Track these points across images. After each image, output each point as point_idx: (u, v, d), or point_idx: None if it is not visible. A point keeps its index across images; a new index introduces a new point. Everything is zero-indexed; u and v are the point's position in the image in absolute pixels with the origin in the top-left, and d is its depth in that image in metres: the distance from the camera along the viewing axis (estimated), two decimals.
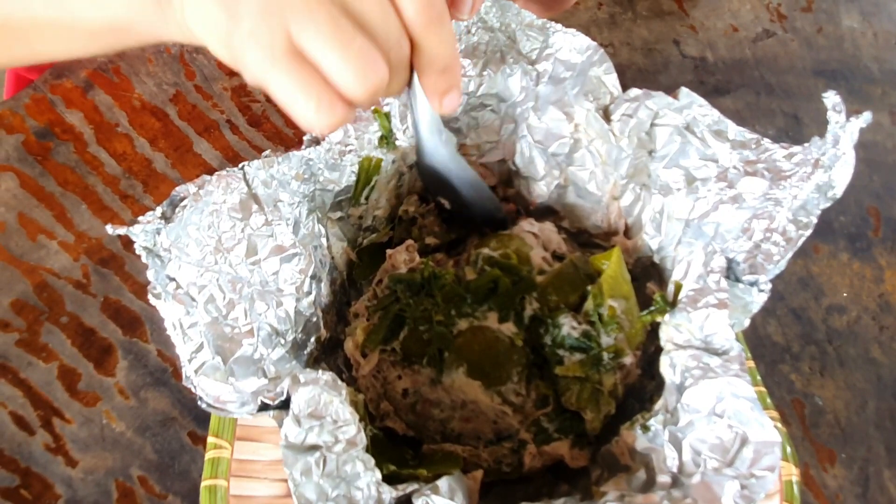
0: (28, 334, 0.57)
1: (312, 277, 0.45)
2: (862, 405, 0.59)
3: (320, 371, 0.38)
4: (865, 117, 0.39)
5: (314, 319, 0.46)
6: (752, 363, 0.51)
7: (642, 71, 0.73)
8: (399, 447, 0.46)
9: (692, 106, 0.48)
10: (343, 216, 0.51)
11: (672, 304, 0.44)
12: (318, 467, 0.35)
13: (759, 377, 0.50)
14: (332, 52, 0.30)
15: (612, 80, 0.51)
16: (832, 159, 0.40)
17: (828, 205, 0.42)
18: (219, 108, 0.68)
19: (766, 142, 0.45)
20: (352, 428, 0.37)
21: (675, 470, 0.37)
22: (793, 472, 0.46)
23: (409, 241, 0.51)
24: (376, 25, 0.31)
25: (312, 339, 0.46)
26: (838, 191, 0.41)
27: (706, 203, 0.46)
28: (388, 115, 0.49)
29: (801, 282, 0.64)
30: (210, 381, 0.39)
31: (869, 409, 0.59)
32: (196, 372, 0.39)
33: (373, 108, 0.49)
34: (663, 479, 0.37)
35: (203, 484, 0.45)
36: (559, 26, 0.51)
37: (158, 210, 0.41)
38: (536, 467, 0.46)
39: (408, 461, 0.44)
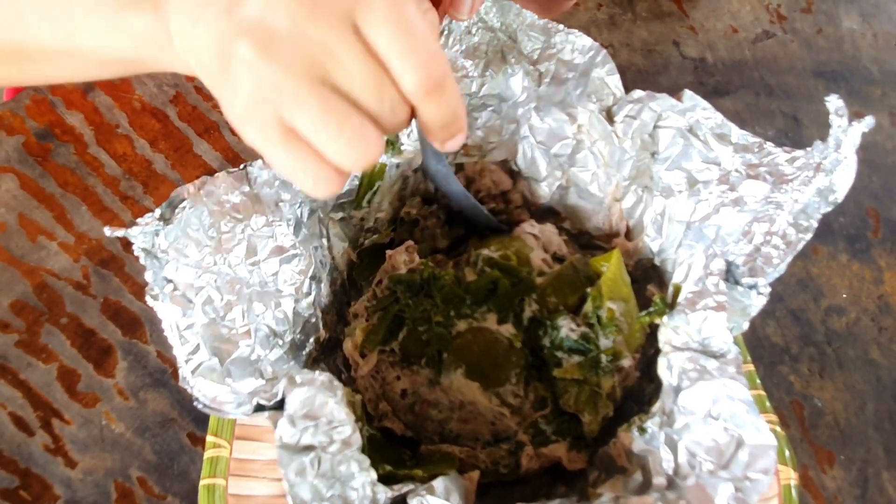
0: (28, 335, 0.57)
1: (312, 278, 0.45)
2: (861, 406, 0.59)
3: (317, 372, 0.38)
4: (868, 122, 0.39)
5: (313, 320, 0.46)
6: (751, 366, 0.51)
7: (642, 72, 0.72)
8: (397, 448, 0.46)
9: (695, 109, 0.47)
10: (345, 217, 0.51)
11: (671, 307, 0.44)
12: (312, 468, 0.35)
13: (758, 379, 0.50)
14: (325, 135, 0.30)
15: (615, 82, 0.51)
16: (834, 163, 0.40)
17: (829, 209, 0.41)
18: (219, 110, 0.67)
19: (769, 145, 0.45)
20: (347, 428, 0.37)
21: (670, 472, 0.37)
22: (791, 476, 0.46)
23: (409, 242, 0.51)
24: (370, 102, 0.30)
25: (311, 340, 0.46)
26: (839, 195, 0.41)
27: (707, 206, 0.46)
28: None
29: (800, 283, 0.64)
30: (207, 382, 0.39)
31: (868, 410, 0.59)
32: (193, 373, 0.39)
33: None
34: (659, 480, 0.37)
35: (202, 483, 0.45)
36: (561, 27, 0.51)
37: (157, 212, 0.41)
38: (534, 469, 0.46)
39: (405, 461, 0.44)
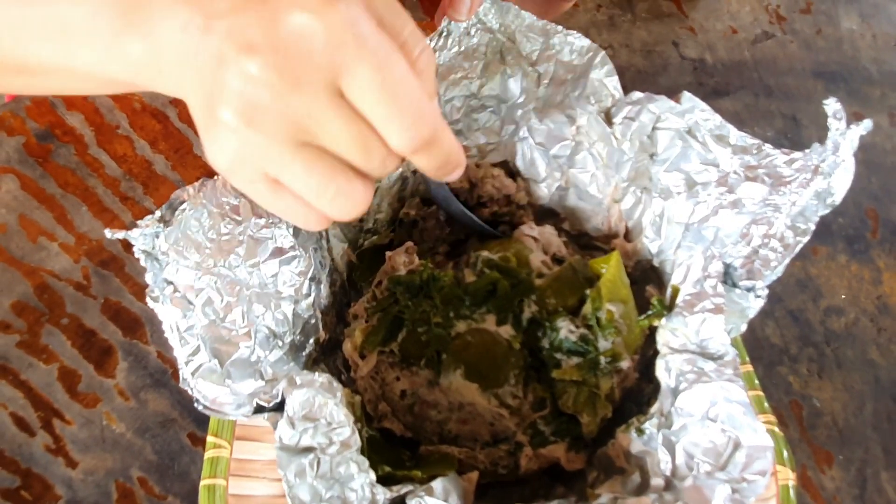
0: (29, 336, 0.58)
1: (312, 279, 0.45)
2: (859, 407, 0.59)
3: (316, 373, 0.38)
4: (866, 125, 0.39)
5: (313, 321, 0.46)
6: (749, 366, 0.51)
7: (641, 73, 0.73)
8: (396, 448, 0.46)
9: (694, 110, 0.48)
10: None
11: (669, 308, 0.44)
12: (312, 469, 0.35)
13: (756, 380, 0.50)
14: (309, 193, 0.30)
15: (614, 83, 0.51)
16: (832, 166, 0.40)
17: (826, 212, 0.42)
18: None
19: (767, 147, 0.45)
20: (346, 430, 0.37)
21: (668, 473, 0.37)
22: (790, 476, 0.46)
23: (409, 244, 0.51)
24: (357, 161, 0.30)
25: (311, 341, 0.46)
26: (837, 198, 0.41)
27: (706, 207, 0.46)
28: None
29: (799, 283, 0.64)
30: (207, 384, 0.40)
31: (866, 410, 0.59)
32: (193, 374, 0.40)
33: None
34: (657, 481, 0.37)
35: (202, 483, 0.45)
36: (560, 28, 0.51)
37: (157, 214, 0.41)
38: (533, 469, 0.46)
39: (404, 462, 0.44)
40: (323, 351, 0.48)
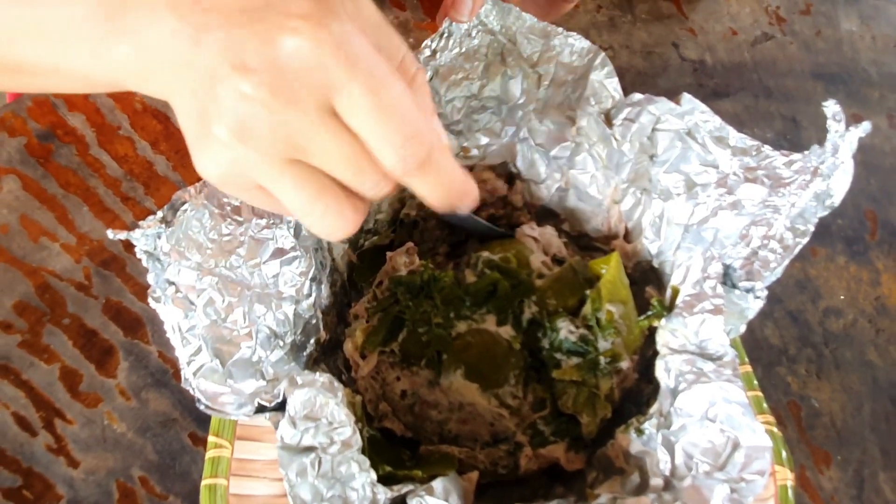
0: (30, 336, 0.58)
1: (312, 280, 0.46)
2: (858, 407, 0.59)
3: (318, 373, 0.38)
4: (864, 127, 0.40)
5: (313, 321, 0.46)
6: (748, 367, 0.51)
7: (641, 74, 0.73)
8: (397, 448, 0.46)
9: (694, 112, 0.48)
10: None
11: (669, 309, 0.44)
12: (313, 468, 0.35)
13: (755, 380, 0.50)
14: (299, 210, 0.30)
15: (614, 84, 0.51)
16: (831, 168, 0.41)
17: (825, 213, 0.42)
18: None
19: (767, 149, 0.45)
20: (347, 429, 0.37)
21: (667, 473, 0.37)
22: (788, 476, 0.46)
23: (410, 244, 0.51)
24: (348, 180, 0.30)
25: (312, 341, 0.46)
26: (836, 199, 0.41)
27: (706, 209, 0.46)
28: None
29: (798, 284, 0.64)
30: (208, 384, 0.40)
31: (864, 411, 0.59)
32: (195, 374, 0.40)
33: None
34: (656, 482, 0.37)
35: (203, 483, 0.45)
36: (560, 30, 0.51)
37: (159, 214, 0.41)
38: (532, 469, 0.46)
39: (405, 462, 0.44)
40: (324, 351, 0.48)
